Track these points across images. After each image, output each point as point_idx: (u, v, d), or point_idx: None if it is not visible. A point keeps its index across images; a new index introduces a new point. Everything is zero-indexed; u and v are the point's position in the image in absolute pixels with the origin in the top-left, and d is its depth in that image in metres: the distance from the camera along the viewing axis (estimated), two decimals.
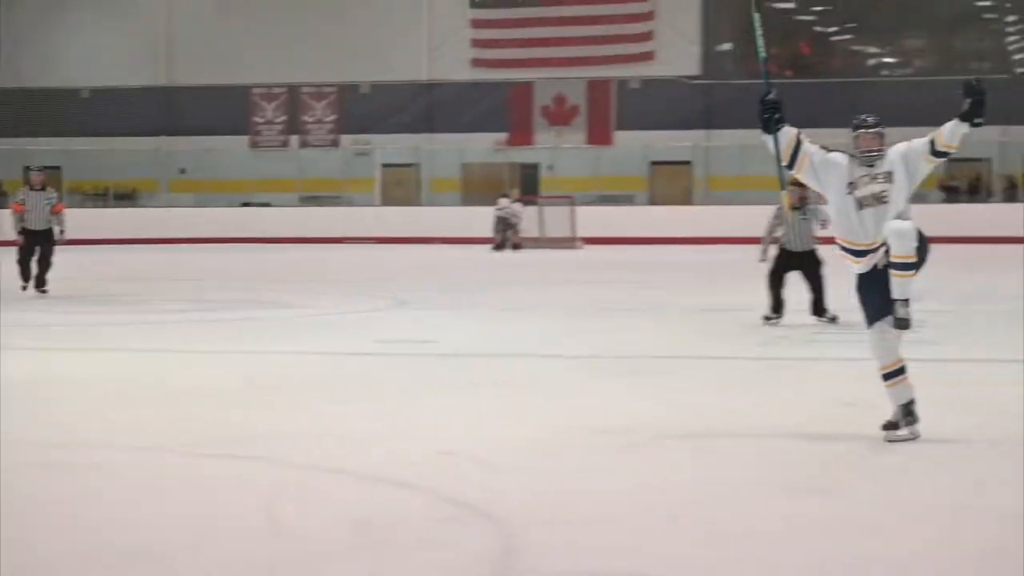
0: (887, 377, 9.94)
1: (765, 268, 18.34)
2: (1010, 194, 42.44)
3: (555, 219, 40.70)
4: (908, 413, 9.84)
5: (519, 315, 20.80)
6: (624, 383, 13.24)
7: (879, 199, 9.85)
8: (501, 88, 48.02)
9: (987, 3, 45.42)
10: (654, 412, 11.26)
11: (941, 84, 44.50)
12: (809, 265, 18.23)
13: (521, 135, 48.02)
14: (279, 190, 48.31)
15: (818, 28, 47.18)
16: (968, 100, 9.67)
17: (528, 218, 40.39)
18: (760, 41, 10.87)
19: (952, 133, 9.71)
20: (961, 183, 42.97)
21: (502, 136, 48.09)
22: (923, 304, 20.84)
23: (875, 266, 9.86)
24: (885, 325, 9.86)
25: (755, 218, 40.08)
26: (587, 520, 7.63)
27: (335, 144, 49.34)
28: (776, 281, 18.18)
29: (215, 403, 11.79)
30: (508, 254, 38.26)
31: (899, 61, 46.73)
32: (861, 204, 9.89)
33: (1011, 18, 45.49)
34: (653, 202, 46.00)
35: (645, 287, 25.53)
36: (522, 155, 47.87)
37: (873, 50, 46.69)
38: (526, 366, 14.72)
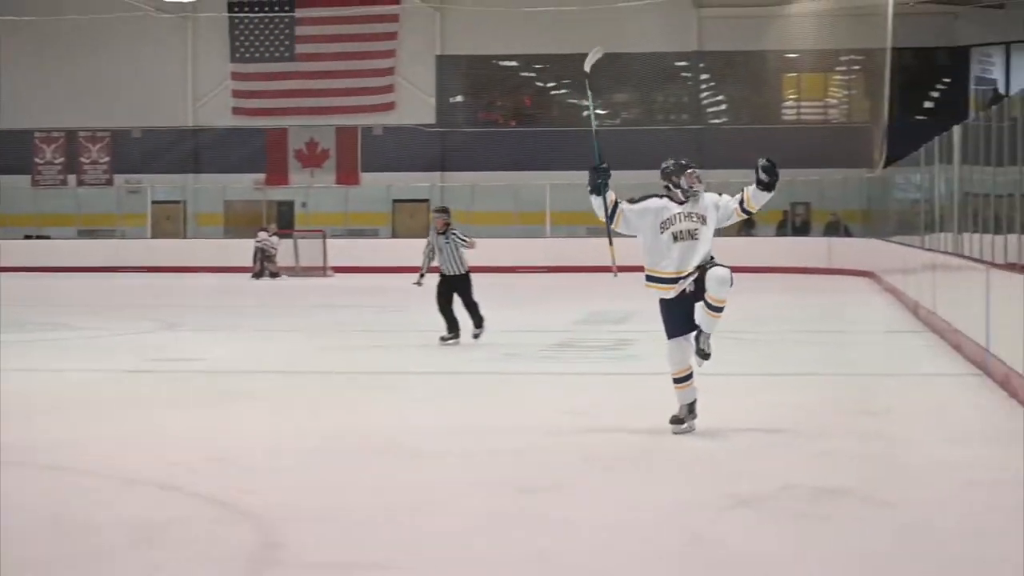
0: (678, 381, 10.56)
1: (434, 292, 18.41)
2: None
3: (308, 250, 40.49)
4: (691, 411, 10.49)
5: (277, 336, 20.67)
6: (372, 395, 13.24)
7: (692, 235, 10.32)
8: (259, 133, 47.67)
9: (684, 63, 46.37)
10: (399, 420, 11.29)
11: (645, 133, 45.40)
12: (461, 287, 18.27)
13: (278, 176, 47.70)
14: (59, 224, 47.35)
15: (539, 83, 47.69)
16: (765, 176, 10.17)
17: (284, 249, 40.10)
18: (594, 119, 11.06)
19: (755, 198, 10.27)
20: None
21: (260, 176, 47.73)
22: (635, 324, 21.35)
23: (683, 291, 10.32)
24: (683, 340, 10.44)
25: (484, 249, 40.57)
26: (338, 516, 7.62)
27: (109, 183, 48.48)
28: (443, 304, 18.19)
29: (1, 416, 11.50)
30: (266, 282, 37.95)
31: (609, 113, 47.43)
32: (676, 237, 10.36)
33: (704, 76, 46.55)
34: (395, 236, 46.02)
35: (389, 311, 25.52)
36: (279, 193, 47.57)
37: (586, 103, 47.30)
38: (284, 381, 14.64)
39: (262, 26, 47.64)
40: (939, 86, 45.73)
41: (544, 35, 45.22)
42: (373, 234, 45.99)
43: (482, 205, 44.40)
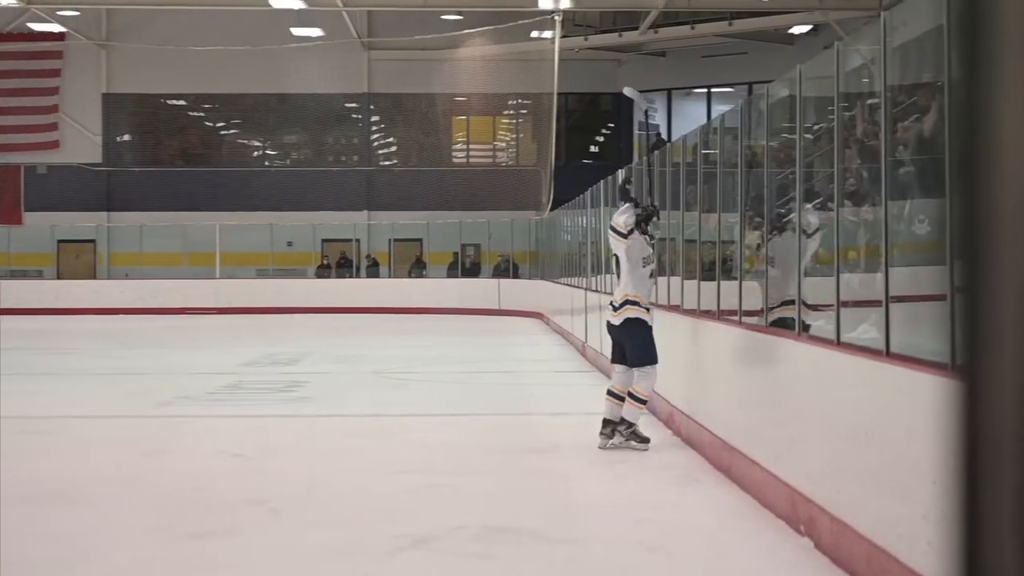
0: (643, 402, 11.62)
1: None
2: (374, 270, 43.47)
3: None
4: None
5: None
6: (29, 440, 12.77)
7: (654, 274, 11.94)
8: None
9: (354, 105, 46.49)
10: (58, 466, 10.92)
11: (316, 174, 45.39)
12: None
13: None
14: None
15: (208, 123, 47.19)
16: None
17: None
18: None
19: None
20: (331, 260, 43.72)
21: None
22: (305, 366, 21.23)
23: None
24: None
25: (152, 290, 39.92)
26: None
27: None
28: None
29: None
30: None
31: (280, 153, 47.23)
32: (652, 273, 11.81)
33: (374, 118, 46.73)
34: (60, 277, 44.87)
35: (55, 353, 24.79)
36: None
37: (257, 143, 47.04)
38: None
39: None
40: (604, 131, 46.98)
41: (213, 75, 44.81)
42: (37, 275, 44.70)
43: (151, 245, 43.61)
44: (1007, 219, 1.22)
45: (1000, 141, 1.22)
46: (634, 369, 11.56)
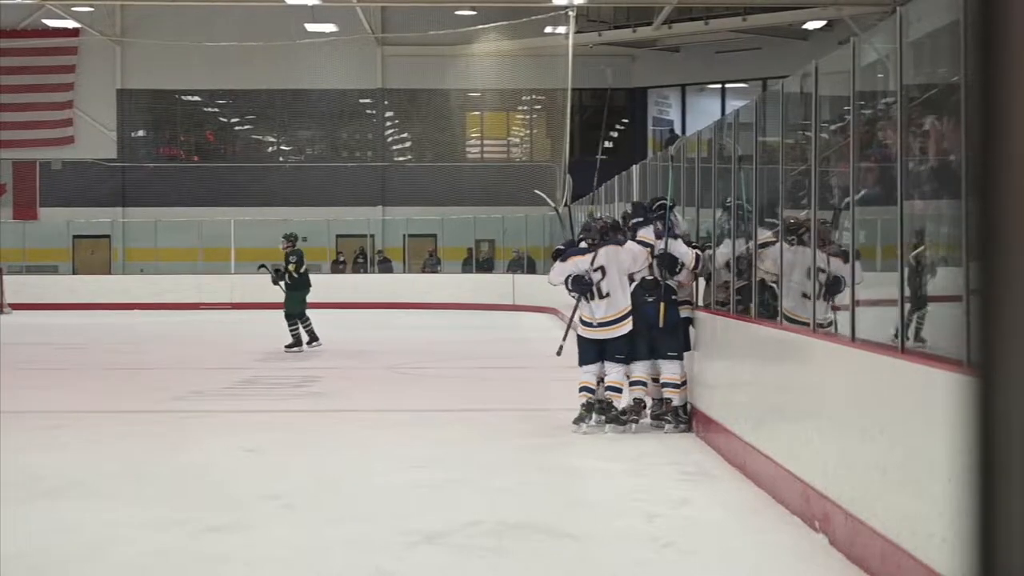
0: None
1: None
2: (386, 266, 43.44)
3: None
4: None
5: None
6: (42, 434, 12.76)
7: None
8: None
9: (369, 100, 46.51)
10: (73, 458, 10.93)
11: (330, 169, 45.38)
12: None
13: None
14: None
15: (221, 118, 47.24)
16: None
17: None
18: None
19: None
20: (347, 256, 43.70)
21: None
22: (319, 361, 21.24)
23: None
24: None
25: (168, 285, 39.97)
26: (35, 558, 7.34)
27: None
28: None
29: None
30: None
31: (293, 149, 47.24)
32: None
33: (388, 114, 46.73)
34: (76, 272, 44.95)
35: (70, 348, 24.84)
36: None
37: (271, 139, 47.07)
38: None
39: None
40: (618, 126, 46.90)
41: (227, 70, 44.85)
42: (52, 270, 44.79)
43: (166, 241, 43.67)
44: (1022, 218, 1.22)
45: (1017, 141, 1.22)
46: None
